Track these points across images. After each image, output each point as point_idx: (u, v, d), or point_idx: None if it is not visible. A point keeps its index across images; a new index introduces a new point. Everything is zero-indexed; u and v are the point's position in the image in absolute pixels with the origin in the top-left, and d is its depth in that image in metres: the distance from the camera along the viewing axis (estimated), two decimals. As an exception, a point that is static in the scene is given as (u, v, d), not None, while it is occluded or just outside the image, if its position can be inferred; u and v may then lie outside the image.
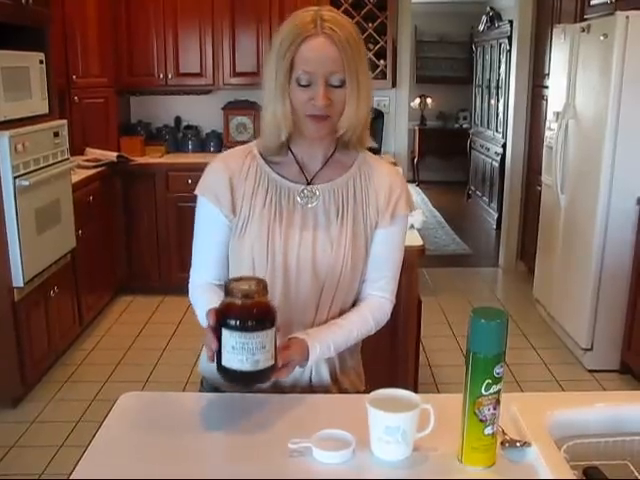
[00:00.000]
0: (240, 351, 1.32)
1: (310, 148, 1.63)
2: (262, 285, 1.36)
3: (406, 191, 1.70)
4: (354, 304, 1.69)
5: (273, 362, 1.37)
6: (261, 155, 1.64)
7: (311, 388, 1.66)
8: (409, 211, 1.69)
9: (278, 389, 1.60)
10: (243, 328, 1.32)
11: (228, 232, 1.63)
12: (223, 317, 1.34)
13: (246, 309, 1.33)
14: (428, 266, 6.02)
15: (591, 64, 4.09)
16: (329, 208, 1.62)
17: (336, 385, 1.69)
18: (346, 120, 1.55)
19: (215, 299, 1.44)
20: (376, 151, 5.56)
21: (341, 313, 1.65)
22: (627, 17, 3.72)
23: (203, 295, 1.62)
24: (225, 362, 1.35)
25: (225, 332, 1.33)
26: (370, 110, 1.62)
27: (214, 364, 1.38)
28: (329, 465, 1.28)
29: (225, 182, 1.60)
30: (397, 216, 1.66)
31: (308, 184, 1.63)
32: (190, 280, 1.70)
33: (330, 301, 1.63)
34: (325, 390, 1.67)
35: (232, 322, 1.32)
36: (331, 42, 1.49)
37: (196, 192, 1.65)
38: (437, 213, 8.79)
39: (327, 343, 1.57)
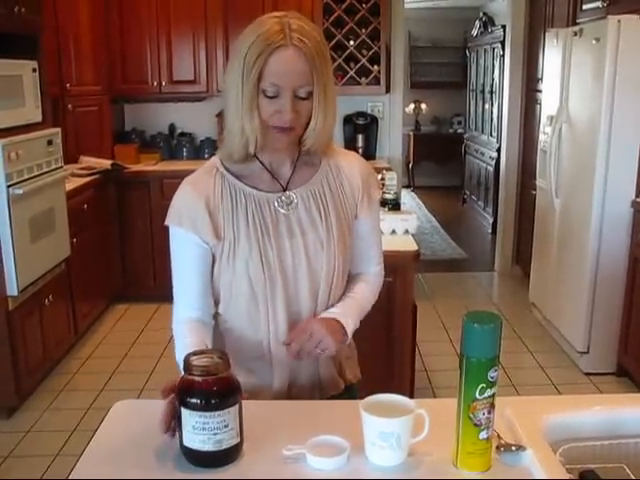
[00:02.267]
0: (201, 431, 1.26)
1: (277, 154, 1.62)
2: (225, 359, 1.30)
3: (373, 174, 1.76)
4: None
5: (238, 440, 1.30)
6: (227, 170, 1.61)
7: (320, 385, 1.70)
8: (380, 192, 1.77)
9: (292, 391, 1.66)
10: (203, 408, 1.25)
11: (209, 259, 1.61)
12: (182, 395, 1.27)
13: (206, 387, 1.26)
14: (424, 271, 6.03)
15: (584, 68, 4.10)
16: (311, 210, 1.62)
17: (342, 377, 1.74)
18: (312, 132, 1.54)
19: (196, 342, 1.48)
20: (370, 156, 5.58)
21: (338, 301, 1.68)
22: (619, 21, 3.73)
23: (184, 338, 1.58)
24: (186, 442, 1.28)
25: (184, 411, 1.27)
26: (335, 123, 1.60)
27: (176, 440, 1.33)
28: (323, 471, 1.27)
29: (201, 208, 1.57)
30: (372, 202, 1.72)
31: (284, 191, 1.62)
32: (173, 314, 1.67)
33: (328, 294, 1.65)
34: (334, 383, 1.72)
35: (192, 401, 1.26)
36: (300, 54, 1.46)
37: (169, 223, 1.61)
38: (432, 218, 8.80)
39: (354, 318, 1.64)
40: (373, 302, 1.77)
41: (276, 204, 1.60)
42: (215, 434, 1.26)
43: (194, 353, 1.32)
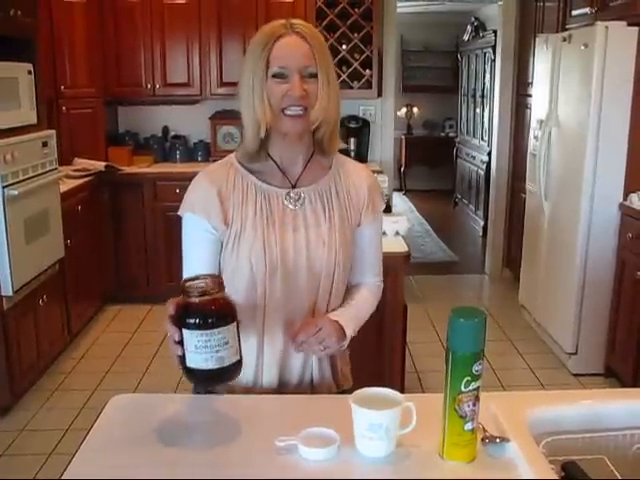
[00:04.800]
0: (203, 349, 1.32)
1: (290, 152, 1.69)
2: (219, 281, 1.37)
3: (379, 187, 1.83)
4: (345, 293, 1.77)
5: (238, 357, 1.37)
6: (242, 165, 1.69)
7: (312, 388, 1.73)
8: (384, 205, 1.83)
9: (282, 389, 1.69)
10: (203, 326, 1.32)
11: (218, 248, 1.66)
12: (182, 318, 1.34)
13: (204, 306, 1.33)
14: (415, 273, 6.07)
15: (572, 73, 4.16)
16: (316, 208, 1.68)
17: (335, 382, 1.77)
18: (320, 110, 1.60)
19: None
20: (362, 160, 5.62)
21: (336, 303, 1.73)
22: (607, 27, 3.79)
23: None
24: (189, 363, 1.34)
25: (186, 333, 1.33)
26: (339, 113, 1.68)
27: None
28: (315, 462, 1.31)
29: (214, 195, 1.63)
30: (376, 212, 1.78)
31: (293, 188, 1.68)
32: None
33: (328, 293, 1.70)
34: (327, 386, 1.75)
35: (192, 321, 1.32)
36: (302, 39, 1.58)
37: (183, 210, 1.67)
38: (424, 221, 8.85)
39: (353, 322, 1.68)
40: (371, 312, 1.81)
41: (284, 199, 1.67)
42: (217, 351, 1.32)
43: (188, 279, 1.38)
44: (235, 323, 1.36)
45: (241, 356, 1.39)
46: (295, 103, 1.58)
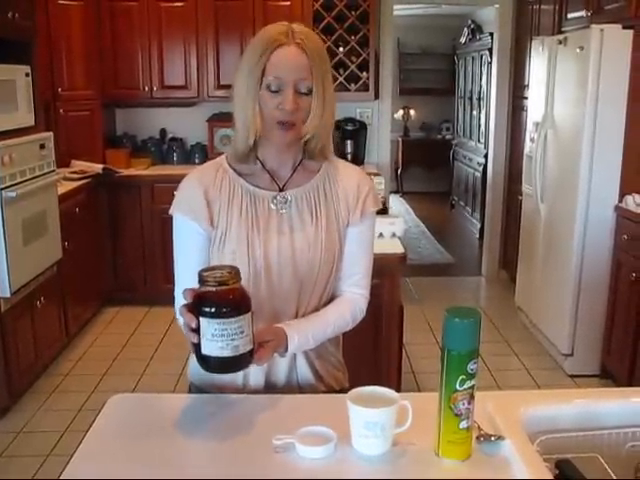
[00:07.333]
0: (219, 338, 1.35)
1: (279, 156, 1.68)
2: (235, 272, 1.39)
3: (373, 189, 1.77)
4: (330, 300, 1.74)
5: (252, 346, 1.40)
6: (231, 167, 1.69)
7: (300, 389, 1.72)
8: (377, 208, 1.76)
9: (269, 393, 1.67)
10: (220, 315, 1.35)
11: (208, 245, 1.66)
12: (200, 306, 1.36)
13: (222, 296, 1.36)
14: (412, 275, 6.09)
15: (568, 76, 4.19)
16: (302, 212, 1.67)
17: (322, 383, 1.76)
18: (311, 125, 1.60)
19: None
20: (359, 162, 5.64)
21: (319, 308, 1.71)
22: (602, 30, 3.81)
23: None
24: (205, 350, 1.37)
25: (203, 321, 1.36)
26: (333, 123, 1.68)
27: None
28: (312, 460, 1.33)
29: (200, 196, 1.64)
30: (366, 213, 1.73)
31: (280, 191, 1.68)
32: (175, 300, 1.67)
33: (309, 297, 1.69)
34: (313, 389, 1.73)
35: (209, 310, 1.35)
36: (301, 51, 1.56)
37: (171, 211, 1.68)
38: (421, 223, 8.87)
39: (306, 334, 1.63)
40: (345, 328, 1.75)
41: (270, 202, 1.66)
42: (232, 340, 1.36)
43: (205, 269, 1.41)
44: (250, 313, 1.39)
45: (254, 344, 1.42)
46: (286, 118, 1.57)
